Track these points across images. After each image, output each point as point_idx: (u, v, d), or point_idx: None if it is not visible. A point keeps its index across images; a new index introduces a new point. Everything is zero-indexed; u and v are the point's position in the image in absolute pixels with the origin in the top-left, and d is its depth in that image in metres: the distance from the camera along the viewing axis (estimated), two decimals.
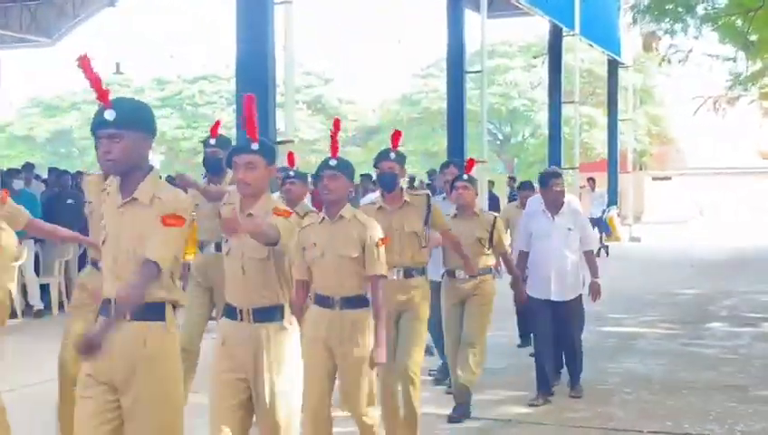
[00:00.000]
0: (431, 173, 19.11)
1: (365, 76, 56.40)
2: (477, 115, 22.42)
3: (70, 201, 10.68)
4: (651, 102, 38.66)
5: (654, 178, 39.39)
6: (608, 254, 18.96)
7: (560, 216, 6.37)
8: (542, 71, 30.47)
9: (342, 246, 4.33)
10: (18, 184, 10.29)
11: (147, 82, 44.79)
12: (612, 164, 25.27)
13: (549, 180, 6.37)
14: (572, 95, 21.27)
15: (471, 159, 6.35)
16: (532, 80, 38.39)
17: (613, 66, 25.39)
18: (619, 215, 22.06)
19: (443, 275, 6.22)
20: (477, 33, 15.24)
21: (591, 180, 19.94)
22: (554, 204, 6.38)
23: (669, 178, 39.44)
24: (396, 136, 5.39)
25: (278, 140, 9.56)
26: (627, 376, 7.47)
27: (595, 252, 21.05)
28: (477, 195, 6.19)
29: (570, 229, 6.35)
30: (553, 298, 6.38)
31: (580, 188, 21.30)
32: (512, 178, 22.05)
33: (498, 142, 41.02)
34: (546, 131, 24.78)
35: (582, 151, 29.28)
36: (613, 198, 22.97)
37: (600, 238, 19.18)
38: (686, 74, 24.52)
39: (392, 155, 5.17)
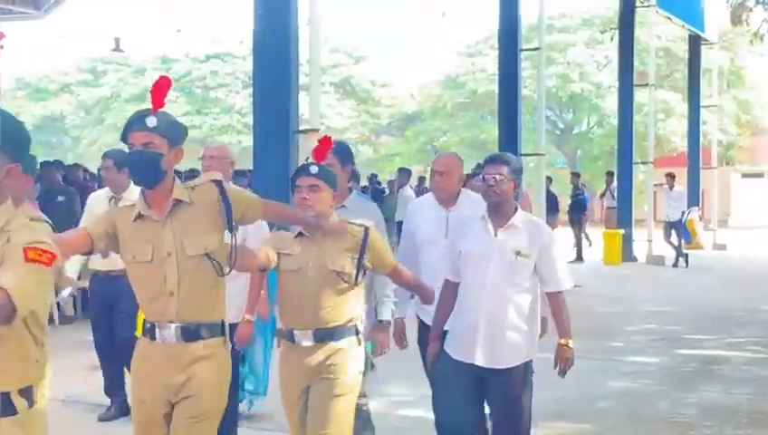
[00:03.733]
0: (478, 168, 19.14)
1: (402, 55, 56.32)
2: (533, 100, 22.33)
3: (61, 198, 10.84)
4: (740, 86, 38.27)
5: (743, 175, 38.97)
6: (687, 264, 18.81)
7: (506, 230, 4.57)
8: (609, 48, 30.30)
9: None
10: None
11: (150, 60, 45.27)
12: (693, 158, 25.06)
13: (483, 168, 4.65)
14: (646, 77, 21.12)
15: (326, 138, 4.40)
16: (597, 59, 38.19)
17: (695, 43, 25.17)
18: (701, 218, 21.85)
19: (278, 338, 4.49)
20: (534, 4, 15.22)
21: (670, 176, 19.81)
22: (495, 209, 4.58)
23: (761, 175, 38.99)
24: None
25: (301, 128, 9.63)
26: (708, 407, 7.41)
27: (673, 262, 20.80)
28: (335, 197, 4.37)
29: (519, 254, 4.52)
30: (479, 362, 4.54)
31: (656, 185, 21.17)
32: (575, 175, 22.00)
33: (558, 132, 40.87)
34: (615, 120, 24.64)
35: (656, 144, 29.08)
36: (695, 198, 22.79)
37: (680, 246, 19.06)
38: None
39: (149, 121, 3.59)
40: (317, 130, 9.20)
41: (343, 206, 4.91)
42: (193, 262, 3.65)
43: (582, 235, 20.33)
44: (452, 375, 4.62)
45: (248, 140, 40.81)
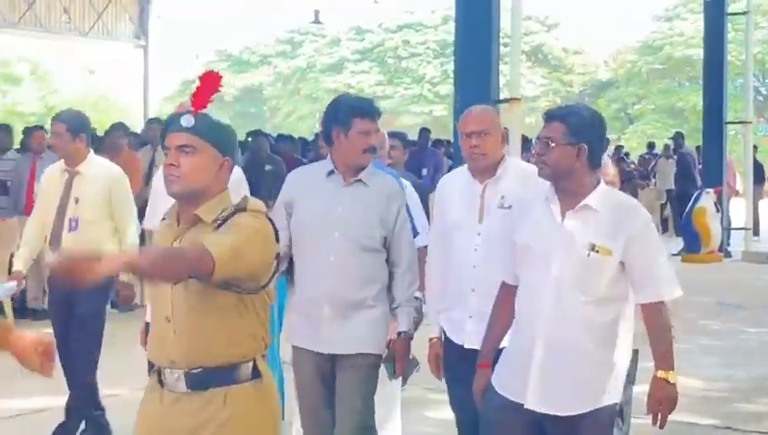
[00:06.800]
0: (677, 138, 18.49)
1: (596, 21, 54.98)
2: (736, 67, 21.36)
3: (269, 167, 11.21)
4: None
5: None
6: None
7: (577, 214, 3.22)
8: None
9: None
10: None
11: (344, 31, 46.05)
12: None
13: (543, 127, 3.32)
14: None
15: (211, 73, 2.86)
16: None
17: None
18: None
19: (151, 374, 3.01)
20: None
21: None
22: (557, 186, 3.28)
23: None
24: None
25: (501, 97, 9.58)
26: None
27: None
28: (226, 165, 2.85)
29: (594, 249, 3.17)
30: (529, 404, 3.21)
31: None
32: None
33: (761, 99, 39.04)
34: None
35: None
36: None
37: None
38: None
39: None
40: (518, 100, 9.15)
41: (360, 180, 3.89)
42: None
43: None
44: (495, 418, 3.30)
45: (439, 110, 40.98)
